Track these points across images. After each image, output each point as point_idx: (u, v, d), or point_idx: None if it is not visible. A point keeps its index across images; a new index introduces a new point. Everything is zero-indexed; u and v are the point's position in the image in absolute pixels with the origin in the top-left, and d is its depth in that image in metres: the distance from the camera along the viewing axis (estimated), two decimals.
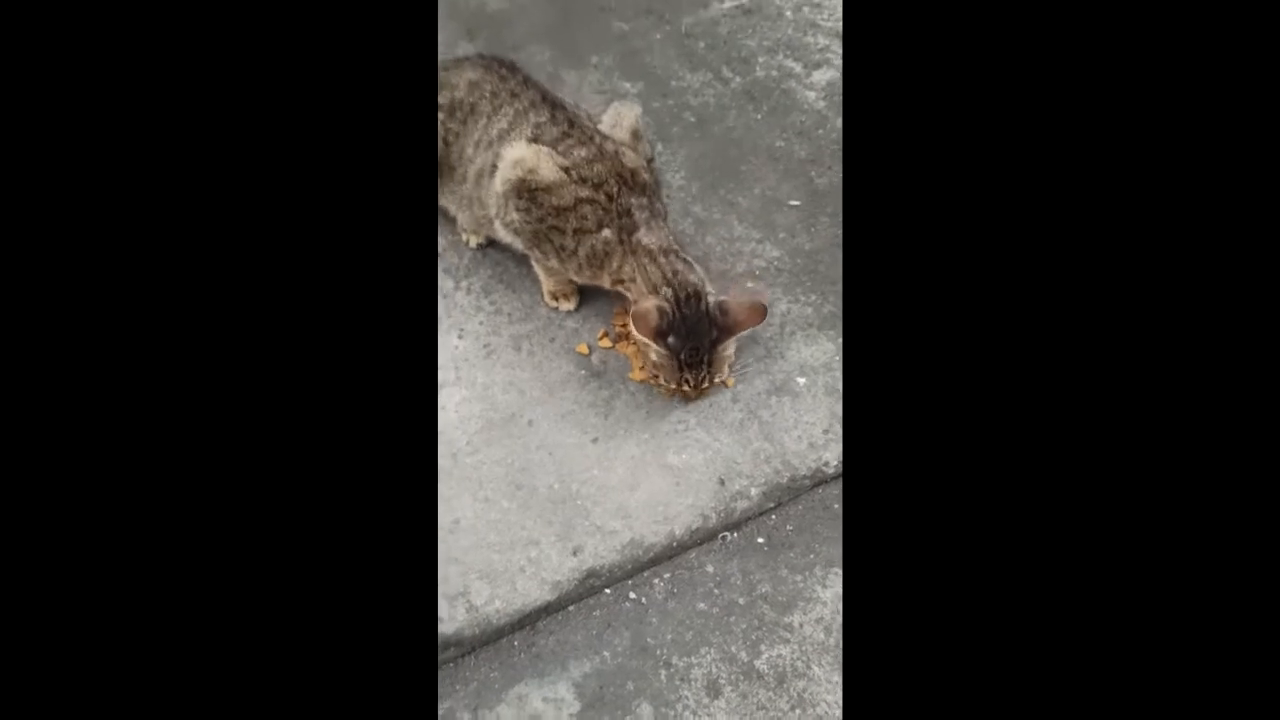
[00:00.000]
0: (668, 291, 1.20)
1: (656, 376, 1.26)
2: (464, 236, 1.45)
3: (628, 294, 1.27)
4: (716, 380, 1.25)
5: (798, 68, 1.87)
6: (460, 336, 1.34)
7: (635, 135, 1.30)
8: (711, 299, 1.22)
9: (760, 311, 1.23)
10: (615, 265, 1.24)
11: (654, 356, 1.21)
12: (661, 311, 1.18)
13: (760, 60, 1.87)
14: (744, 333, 1.24)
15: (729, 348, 1.24)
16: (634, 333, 1.20)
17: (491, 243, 1.44)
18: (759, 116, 1.75)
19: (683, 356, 1.19)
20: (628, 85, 1.77)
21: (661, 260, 1.22)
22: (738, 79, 1.82)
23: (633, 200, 1.23)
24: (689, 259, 1.25)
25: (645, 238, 1.22)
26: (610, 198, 1.22)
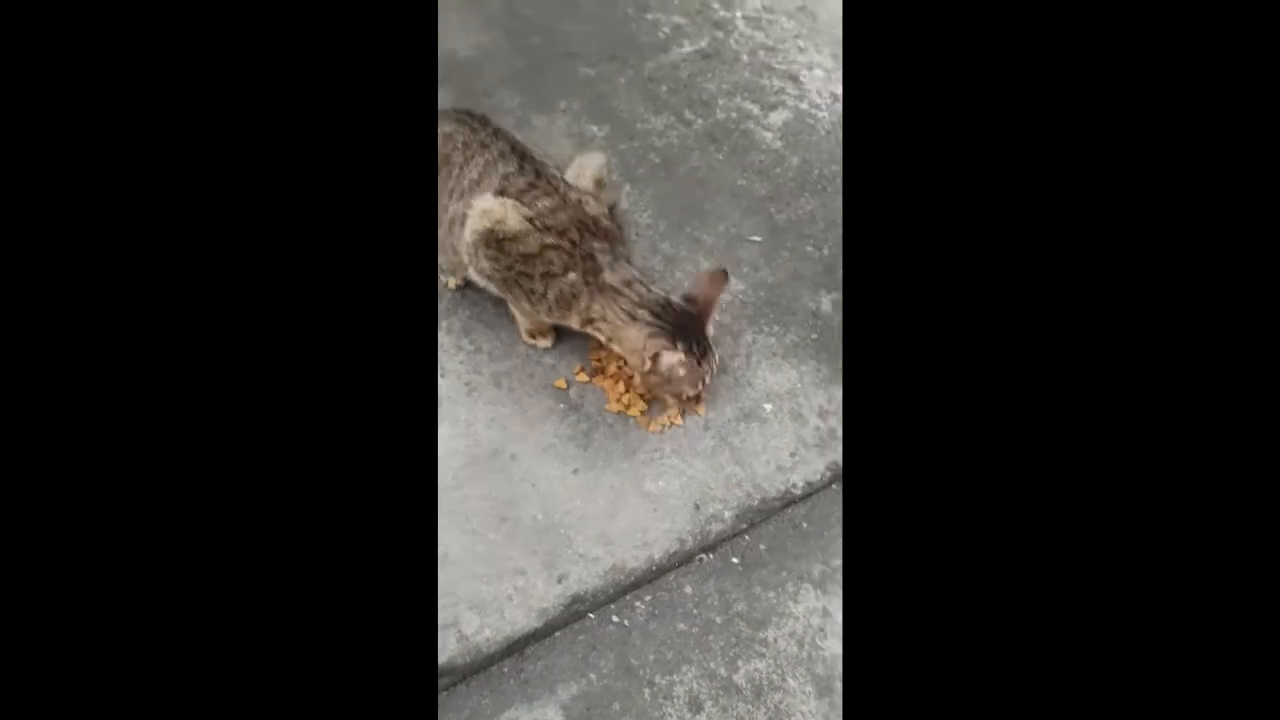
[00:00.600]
0: (644, 314, 1.28)
1: (675, 399, 1.34)
2: (443, 279, 1.51)
3: (598, 334, 1.34)
4: (718, 358, 1.35)
5: (755, 109, 1.98)
6: (442, 375, 1.40)
7: (599, 184, 1.38)
8: (675, 297, 1.32)
9: (720, 276, 1.35)
10: (583, 305, 1.32)
11: (682, 372, 1.29)
12: (654, 334, 1.26)
13: (720, 102, 1.98)
14: (719, 303, 1.34)
15: (711, 328, 1.34)
16: (661, 365, 1.27)
17: (469, 284, 1.50)
18: (720, 156, 1.85)
19: (696, 353, 1.28)
20: (595, 129, 1.86)
21: (627, 291, 1.30)
22: (699, 121, 1.92)
23: (595, 244, 1.31)
24: (647, 282, 1.33)
25: (609, 277, 1.31)
26: (574, 244, 1.30)
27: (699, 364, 1.30)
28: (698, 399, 1.38)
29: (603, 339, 1.34)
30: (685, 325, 1.29)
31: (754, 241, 1.69)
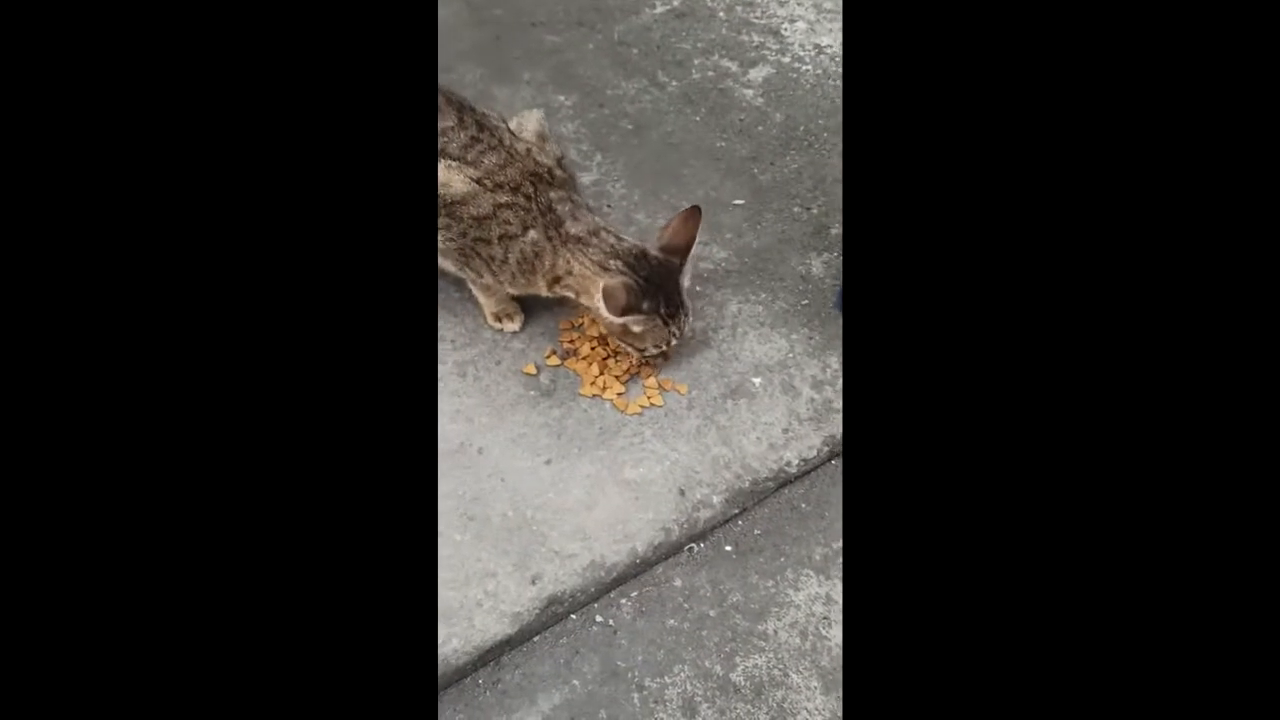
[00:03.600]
0: (618, 264, 1.19)
1: (637, 353, 1.26)
2: None
3: (568, 293, 1.24)
4: (690, 318, 1.26)
5: (734, 67, 1.86)
6: None
7: (541, 138, 1.29)
8: (652, 249, 1.23)
9: (694, 214, 1.24)
10: (548, 264, 1.22)
11: (636, 329, 1.21)
12: (627, 287, 1.17)
13: (696, 62, 1.86)
14: (695, 250, 1.25)
15: (687, 277, 1.25)
16: (605, 316, 1.18)
17: None
18: (697, 118, 1.74)
19: (663, 312, 1.20)
20: (562, 98, 1.75)
21: (595, 241, 1.21)
22: (674, 83, 1.81)
23: (552, 195, 1.22)
24: (617, 231, 1.24)
25: (572, 228, 1.21)
26: (529, 198, 1.21)
27: (665, 325, 1.21)
28: (664, 355, 1.29)
29: (572, 295, 1.24)
30: (664, 280, 1.20)
31: (736, 205, 1.58)
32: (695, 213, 1.24)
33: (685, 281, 1.24)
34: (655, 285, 1.19)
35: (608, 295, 1.16)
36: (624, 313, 1.17)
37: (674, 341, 1.25)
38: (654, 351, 1.25)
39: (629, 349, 1.26)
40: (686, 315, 1.24)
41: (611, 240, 1.21)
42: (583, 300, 1.23)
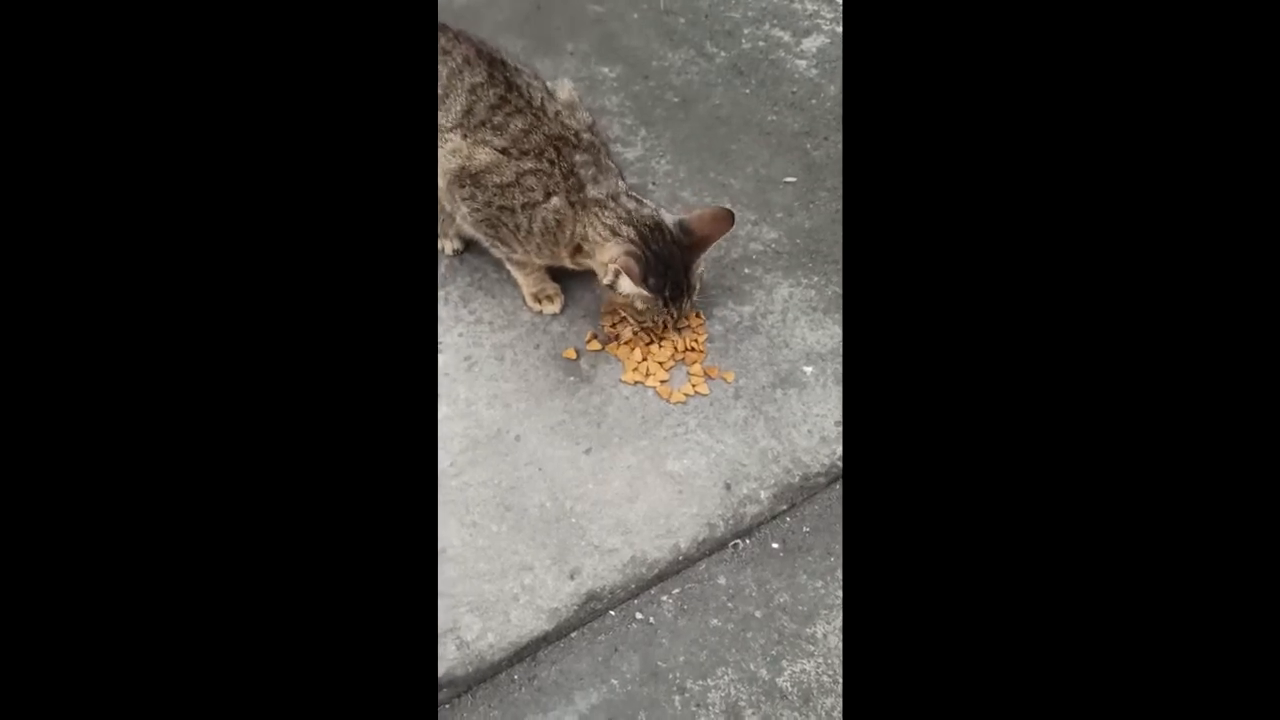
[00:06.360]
0: (630, 231, 1.13)
1: (634, 320, 1.21)
2: (439, 243, 1.38)
3: (589, 261, 1.19)
4: (695, 300, 1.20)
5: (786, 36, 1.76)
6: (440, 350, 1.27)
7: (571, 107, 1.24)
8: (671, 223, 1.16)
9: (726, 218, 1.17)
10: (569, 233, 1.17)
11: (640, 305, 1.16)
12: (635, 256, 1.12)
13: (746, 32, 1.77)
14: (714, 246, 1.19)
15: (700, 265, 1.19)
16: (620, 287, 1.14)
17: (468, 247, 1.36)
18: (747, 91, 1.65)
19: (667, 294, 1.15)
20: (606, 70, 1.68)
21: (612, 205, 1.15)
22: (722, 53, 1.72)
23: (577, 158, 1.16)
24: (640, 197, 1.19)
25: (592, 190, 1.16)
26: (552, 163, 1.16)
27: (665, 306, 1.16)
28: (661, 329, 1.23)
29: (592, 264, 1.19)
30: (670, 261, 1.14)
31: (788, 183, 1.50)
32: (728, 216, 1.17)
33: (698, 268, 1.19)
34: (663, 263, 1.13)
35: (626, 267, 1.11)
36: (638, 284, 1.12)
37: (673, 323, 1.20)
38: (650, 325, 1.21)
39: (623, 311, 1.21)
40: (687, 301, 1.18)
41: (630, 205, 1.16)
42: (593, 262, 1.18)
